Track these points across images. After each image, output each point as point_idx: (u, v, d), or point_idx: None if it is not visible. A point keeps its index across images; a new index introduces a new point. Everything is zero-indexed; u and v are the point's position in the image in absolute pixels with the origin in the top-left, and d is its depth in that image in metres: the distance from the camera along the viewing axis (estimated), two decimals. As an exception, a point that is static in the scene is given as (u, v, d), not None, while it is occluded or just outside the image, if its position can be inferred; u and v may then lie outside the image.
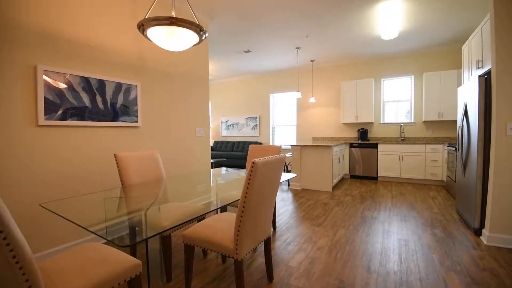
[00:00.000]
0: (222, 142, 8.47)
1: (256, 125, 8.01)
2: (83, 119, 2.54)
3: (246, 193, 1.51)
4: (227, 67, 7.05)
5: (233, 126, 8.51)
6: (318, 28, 4.51)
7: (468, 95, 3.02)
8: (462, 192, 3.20)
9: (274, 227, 2.95)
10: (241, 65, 6.84)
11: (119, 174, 2.25)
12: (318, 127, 7.06)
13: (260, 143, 7.87)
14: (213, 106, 8.97)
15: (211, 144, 9.16)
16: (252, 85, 8.10)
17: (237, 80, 8.37)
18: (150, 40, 1.91)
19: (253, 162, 1.47)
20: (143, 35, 1.84)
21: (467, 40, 3.45)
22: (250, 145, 3.14)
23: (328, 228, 2.98)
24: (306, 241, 2.63)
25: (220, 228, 1.73)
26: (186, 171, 3.65)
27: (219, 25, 4.35)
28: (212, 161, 6.65)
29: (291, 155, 5.13)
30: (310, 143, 5.60)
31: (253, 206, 1.58)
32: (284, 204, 3.95)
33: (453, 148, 4.24)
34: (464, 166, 3.11)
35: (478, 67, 2.95)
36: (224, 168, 3.40)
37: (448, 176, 4.66)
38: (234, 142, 8.24)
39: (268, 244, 1.94)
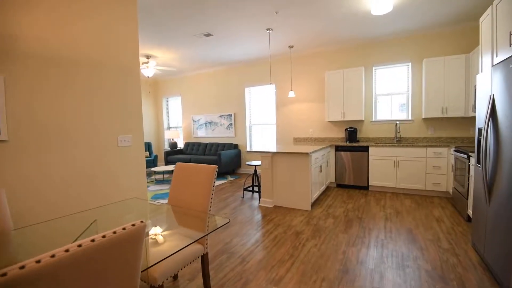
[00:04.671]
0: (194, 143, 7.42)
1: (231, 124, 6.96)
2: None
3: None
4: (190, 56, 5.96)
5: (206, 125, 7.45)
6: (289, 1, 3.46)
7: (497, 84, 2.03)
8: (483, 225, 2.23)
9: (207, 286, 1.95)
10: (207, 53, 5.75)
11: None
12: (300, 126, 6.04)
13: (236, 145, 6.85)
14: (183, 103, 7.89)
15: (181, 146, 8.10)
16: (224, 78, 7.02)
17: (207, 72, 7.28)
18: None
19: None
20: None
21: (489, 8, 2.44)
22: (177, 164, 2.12)
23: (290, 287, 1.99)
24: (249, 324, 1.64)
25: None
26: (97, 202, 2.60)
27: (156, -3, 3.28)
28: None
29: (260, 164, 4.13)
30: (290, 145, 4.60)
31: None
32: (243, 235, 2.95)
33: (464, 155, 3.27)
34: (489, 189, 2.13)
35: (513, 43, 1.95)
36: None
37: (455, 188, 3.71)
38: (206, 144, 7.20)
39: None
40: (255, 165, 4.45)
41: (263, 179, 4.05)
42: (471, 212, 3.01)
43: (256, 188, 4.89)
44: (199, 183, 1.92)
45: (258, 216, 3.58)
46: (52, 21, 2.29)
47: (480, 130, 2.35)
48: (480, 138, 2.30)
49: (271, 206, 3.97)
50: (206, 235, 1.68)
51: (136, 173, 3.05)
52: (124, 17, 2.88)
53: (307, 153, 3.63)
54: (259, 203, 4.15)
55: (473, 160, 2.94)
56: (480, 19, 2.66)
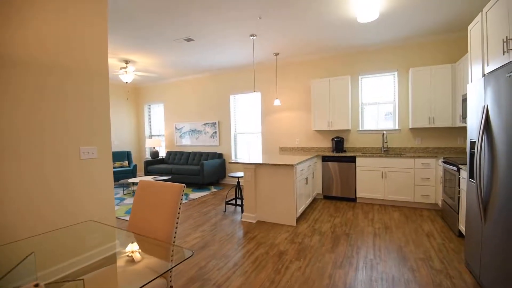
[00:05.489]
0: (176, 153, 7.10)
1: (216, 132, 6.71)
2: None
3: None
4: (172, 62, 5.71)
5: (189, 133, 7.16)
6: (273, 6, 3.30)
7: (491, 94, 1.89)
8: (478, 245, 2.06)
9: (173, 330, 1.66)
10: (190, 59, 5.52)
11: None
12: (286, 136, 5.86)
13: (220, 154, 6.58)
14: (166, 110, 7.58)
15: (163, 155, 7.75)
16: (208, 85, 6.79)
17: (191, 79, 7.04)
18: None
19: None
20: None
21: (478, 15, 2.34)
22: (140, 181, 1.85)
23: (269, 323, 1.73)
24: None
25: None
26: (51, 225, 2.26)
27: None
28: (158, 178, 5.29)
29: (242, 175, 3.89)
30: (276, 155, 4.38)
31: None
32: (221, 256, 2.67)
33: (453, 167, 3.15)
34: (485, 207, 1.97)
35: (507, 50, 1.82)
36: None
37: (444, 200, 3.58)
38: (189, 153, 6.90)
39: None
40: (238, 177, 4.20)
41: (246, 192, 3.80)
42: (463, 228, 2.86)
43: (239, 202, 4.63)
44: (163, 205, 1.66)
45: (239, 233, 3.31)
46: (6, 20, 2.00)
47: (472, 143, 2.21)
48: (473, 152, 2.15)
49: (254, 221, 3.71)
50: (170, 269, 1.42)
51: (102, 189, 2.74)
52: (91, 17, 2.62)
53: (291, 165, 3.42)
54: (241, 218, 3.88)
55: (463, 173, 2.81)
56: (469, 27, 2.57)
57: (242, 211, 4.05)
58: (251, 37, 4.33)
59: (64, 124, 2.41)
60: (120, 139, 7.61)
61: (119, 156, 6.93)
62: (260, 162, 3.68)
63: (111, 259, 1.46)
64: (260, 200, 3.74)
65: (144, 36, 4.21)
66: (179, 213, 1.64)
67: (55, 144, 2.35)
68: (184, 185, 1.67)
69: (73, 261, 1.41)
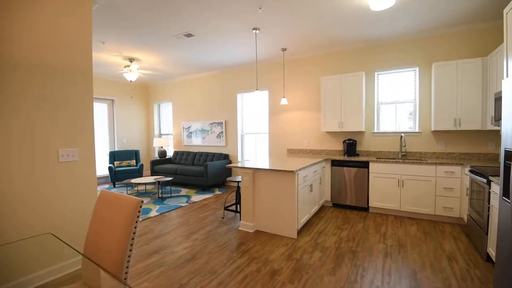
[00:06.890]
0: (183, 152, 6.95)
1: (222, 132, 6.47)
2: None
3: None
4: (175, 60, 5.52)
5: (196, 133, 6.98)
6: (272, -6, 2.98)
7: (534, 93, 1.47)
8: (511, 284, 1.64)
9: None
10: (193, 57, 5.31)
11: None
12: (294, 137, 5.50)
13: (226, 155, 6.34)
14: (174, 109, 7.46)
15: (170, 155, 7.64)
16: (215, 83, 6.57)
17: (197, 77, 6.84)
18: None
19: None
20: None
21: (518, -6, 1.89)
22: (102, 191, 1.62)
23: None
24: None
25: None
26: (18, 233, 2.09)
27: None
28: (160, 179, 5.15)
29: (240, 180, 3.60)
30: (283, 157, 4.05)
31: None
32: (207, 273, 2.41)
33: (483, 179, 2.67)
34: (522, 235, 1.55)
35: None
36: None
37: (470, 215, 3.10)
38: (196, 153, 6.72)
39: None
40: (238, 182, 3.92)
41: (244, 199, 3.51)
42: (493, 253, 2.40)
43: (239, 207, 4.34)
44: (115, 222, 1.41)
45: (233, 244, 3.03)
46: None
47: (508, 153, 1.77)
48: (509, 165, 1.72)
49: (251, 231, 3.42)
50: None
51: (84, 193, 2.56)
52: (73, 12, 2.43)
53: (292, 171, 3.09)
54: (238, 226, 3.60)
55: (495, 187, 2.35)
56: (505, 10, 2.11)
57: (240, 217, 3.77)
58: (254, 31, 4.02)
59: (41, 124, 2.25)
60: (129, 138, 7.58)
61: (127, 155, 6.89)
62: (258, 166, 3.37)
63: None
64: (259, 208, 3.44)
65: (143, 33, 4.03)
66: (134, 233, 1.38)
67: (31, 146, 2.19)
68: (142, 200, 1.41)
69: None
